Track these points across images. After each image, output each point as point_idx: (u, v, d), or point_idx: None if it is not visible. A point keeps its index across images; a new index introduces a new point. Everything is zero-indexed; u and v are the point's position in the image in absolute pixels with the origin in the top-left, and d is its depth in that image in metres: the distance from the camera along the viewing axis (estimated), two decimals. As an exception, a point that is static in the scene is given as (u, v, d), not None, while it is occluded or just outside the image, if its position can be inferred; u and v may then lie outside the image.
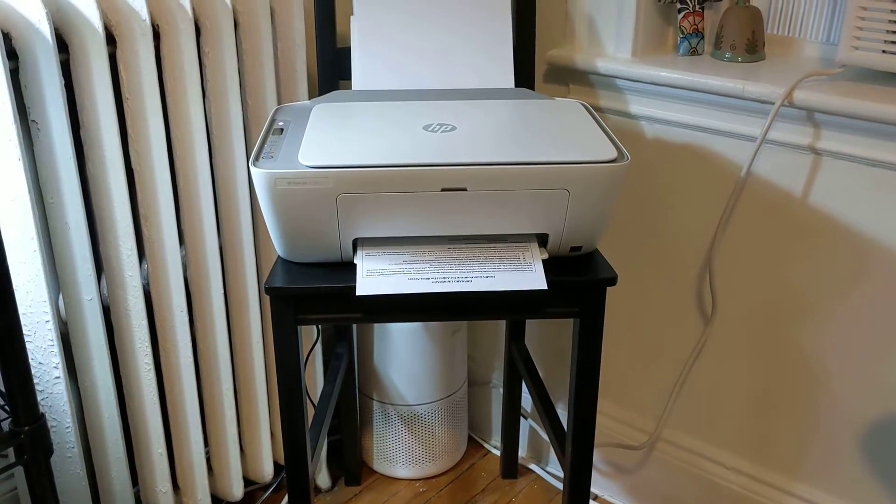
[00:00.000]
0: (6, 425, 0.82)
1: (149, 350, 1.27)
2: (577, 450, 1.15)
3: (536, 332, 1.62)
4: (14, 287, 0.94)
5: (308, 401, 1.49)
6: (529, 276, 1.00)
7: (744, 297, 1.34)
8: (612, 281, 1.04)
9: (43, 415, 0.81)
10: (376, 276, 0.99)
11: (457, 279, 1.00)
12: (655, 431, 1.50)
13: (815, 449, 1.33)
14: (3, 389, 0.84)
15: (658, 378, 1.49)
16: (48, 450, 0.82)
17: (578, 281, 1.04)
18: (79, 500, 1.27)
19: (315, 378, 1.56)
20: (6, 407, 0.84)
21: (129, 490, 1.33)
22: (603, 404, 1.57)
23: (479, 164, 0.95)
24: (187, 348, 1.33)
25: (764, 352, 1.35)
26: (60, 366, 1.17)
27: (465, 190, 0.96)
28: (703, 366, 1.42)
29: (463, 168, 0.95)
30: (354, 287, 0.98)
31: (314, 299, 1.05)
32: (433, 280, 0.99)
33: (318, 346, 1.56)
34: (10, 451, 0.84)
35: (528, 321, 1.58)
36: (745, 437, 1.41)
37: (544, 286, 0.98)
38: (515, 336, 1.55)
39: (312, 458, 1.19)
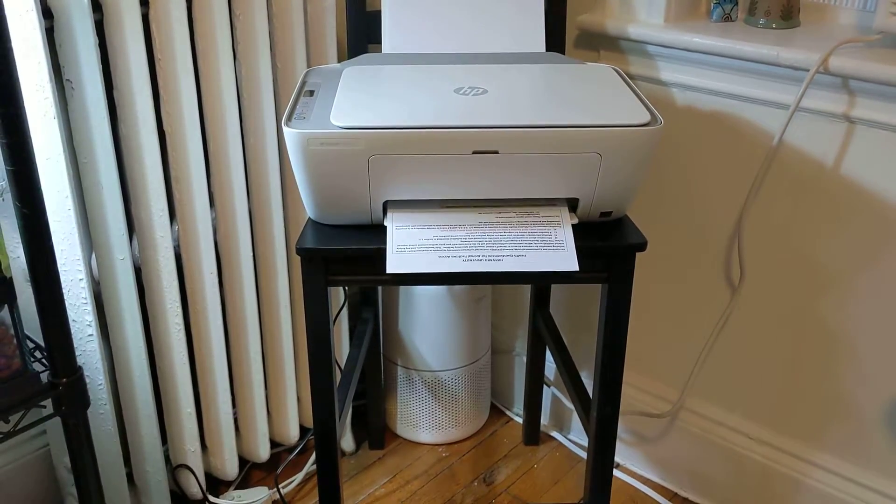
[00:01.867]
0: (44, 378, 0.83)
1: (179, 311, 1.29)
2: (603, 417, 1.16)
3: (561, 299, 1.62)
4: (50, 244, 0.95)
5: (334, 365, 1.50)
6: (560, 255, 0.99)
7: (772, 266, 1.33)
8: (642, 246, 1.03)
9: (80, 367, 0.83)
10: (406, 252, 1.00)
11: (487, 258, 0.99)
12: (679, 400, 1.50)
13: (841, 420, 1.33)
14: (42, 343, 0.86)
15: (682, 348, 1.49)
16: (85, 402, 0.84)
17: (608, 246, 1.04)
18: (110, 457, 1.29)
19: (341, 343, 1.57)
20: (44, 360, 0.85)
21: (159, 448, 1.36)
22: (626, 374, 1.57)
23: (510, 127, 0.95)
24: (217, 310, 1.34)
25: (791, 322, 1.34)
26: (93, 324, 1.19)
27: (496, 153, 0.96)
28: (729, 335, 1.42)
29: (495, 131, 0.95)
30: (384, 249, 0.99)
31: (344, 261, 1.06)
32: (464, 259, 0.99)
33: (345, 312, 1.58)
34: (48, 403, 0.86)
35: (553, 289, 1.58)
36: (769, 408, 1.41)
37: (576, 267, 0.98)
38: (540, 304, 1.55)
39: (339, 420, 1.20)
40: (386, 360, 1.67)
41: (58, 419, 0.85)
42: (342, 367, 1.43)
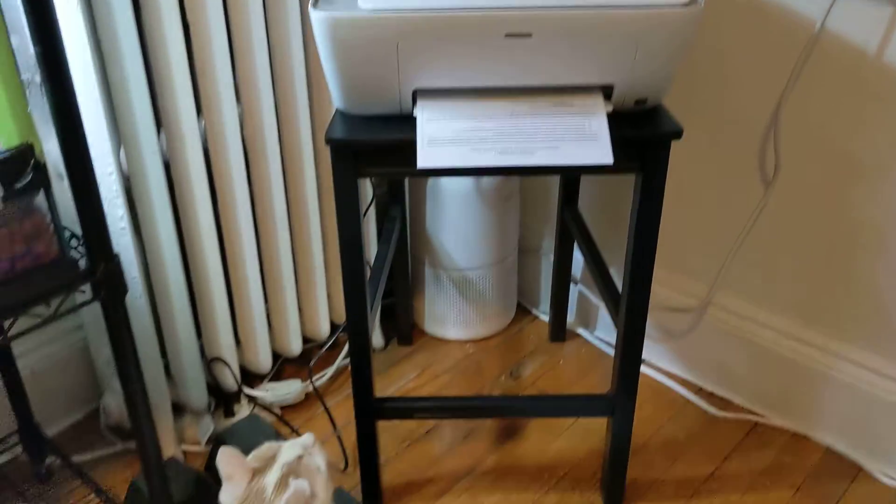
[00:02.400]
0: (82, 265, 0.84)
1: (209, 205, 1.29)
2: (632, 309, 1.16)
3: (590, 195, 1.61)
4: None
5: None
6: (595, 147, 0.97)
7: (808, 158, 1.31)
8: (678, 134, 1.01)
9: (117, 254, 0.84)
10: (438, 145, 0.98)
11: (521, 150, 0.97)
12: (707, 296, 1.51)
13: (870, 313, 1.33)
14: (78, 232, 0.86)
15: (712, 242, 1.48)
16: (123, 287, 0.85)
17: (642, 135, 1.02)
18: (147, 350, 1.32)
19: (369, 241, 1.58)
20: (80, 248, 0.86)
21: (195, 341, 1.38)
22: (655, 270, 1.57)
23: (545, 8, 0.92)
24: (246, 205, 1.34)
25: (824, 215, 1.32)
26: (125, 217, 1.19)
27: (529, 36, 0.93)
28: (761, 229, 1.41)
29: (528, 12, 0.92)
30: (414, 140, 0.97)
31: (374, 152, 1.04)
32: (497, 151, 0.97)
33: (372, 211, 1.58)
34: (87, 291, 0.87)
35: (581, 185, 1.56)
36: (798, 302, 1.41)
37: (610, 160, 0.96)
38: (569, 201, 1.54)
39: (370, 312, 1.21)
40: (413, 259, 1.67)
41: (97, 306, 0.87)
42: (371, 265, 1.44)
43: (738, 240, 1.43)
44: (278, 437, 1.36)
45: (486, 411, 1.25)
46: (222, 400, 1.50)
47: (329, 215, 1.50)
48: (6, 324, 0.79)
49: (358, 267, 1.11)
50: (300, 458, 0.89)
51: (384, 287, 1.38)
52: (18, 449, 1.37)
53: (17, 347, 1.30)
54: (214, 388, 1.48)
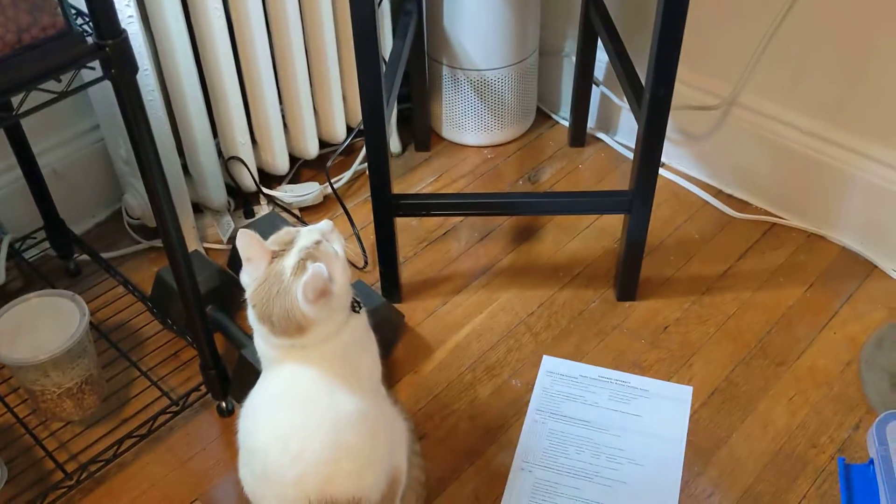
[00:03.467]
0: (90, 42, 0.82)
1: (219, 2, 1.24)
2: (655, 99, 1.13)
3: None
4: None
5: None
6: None
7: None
8: None
9: (125, 30, 0.81)
10: None
11: None
12: (732, 94, 1.47)
13: (901, 111, 1.29)
14: (83, 9, 0.83)
15: (739, 41, 1.42)
16: (133, 65, 0.83)
17: None
18: (164, 147, 1.31)
19: (384, 34, 1.53)
20: (86, 25, 0.83)
21: (211, 139, 1.38)
22: (679, 70, 1.52)
23: None
24: (258, 4, 1.29)
25: (856, 12, 1.26)
26: (132, 4, 1.15)
27: None
28: (790, 25, 1.34)
29: None
30: None
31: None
32: None
33: (387, 5, 1.52)
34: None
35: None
36: (824, 102, 1.37)
37: None
38: (593, -5, 1.47)
39: (388, 109, 1.19)
40: (431, 59, 1.63)
41: (111, 96, 0.85)
42: (386, 60, 1.40)
43: (765, 36, 1.37)
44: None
45: (502, 208, 1.25)
46: (242, 200, 1.52)
47: (343, 17, 1.44)
48: (16, 99, 0.78)
49: (373, 55, 1.08)
50: (318, 243, 0.90)
51: (399, 89, 1.34)
52: (47, 245, 1.40)
53: (36, 146, 1.30)
54: (234, 189, 1.49)
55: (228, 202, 1.48)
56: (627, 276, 1.34)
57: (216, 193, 1.43)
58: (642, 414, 1.21)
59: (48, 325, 1.06)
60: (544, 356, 1.29)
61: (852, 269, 1.41)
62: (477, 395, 1.24)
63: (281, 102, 1.46)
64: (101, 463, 1.10)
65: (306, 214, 1.55)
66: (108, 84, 0.85)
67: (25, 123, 1.26)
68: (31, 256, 1.41)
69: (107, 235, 1.51)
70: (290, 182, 1.58)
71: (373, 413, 0.95)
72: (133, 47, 1.14)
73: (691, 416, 1.20)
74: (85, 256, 1.40)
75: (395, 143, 1.68)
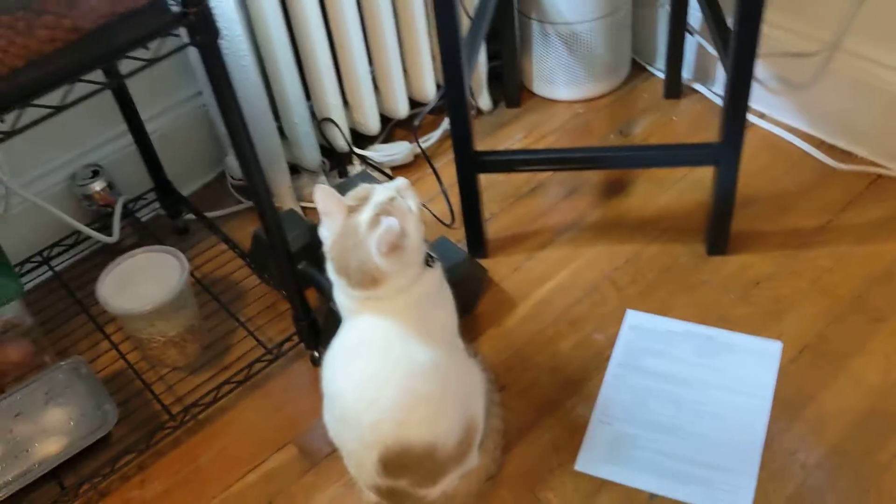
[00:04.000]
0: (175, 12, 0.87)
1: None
2: (741, 47, 1.09)
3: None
4: None
5: (464, 13, 1.47)
6: None
7: None
8: None
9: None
10: None
11: None
12: (834, 38, 1.39)
13: None
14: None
15: (845, -19, 1.34)
16: (215, 31, 0.88)
17: None
18: (258, 110, 1.38)
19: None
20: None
21: (303, 101, 1.43)
22: (774, 14, 1.46)
23: None
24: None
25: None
26: (223, -26, 1.21)
27: None
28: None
29: None
30: None
31: None
32: None
33: (474, -37, 1.52)
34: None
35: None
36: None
37: None
38: (684, -59, 1.42)
39: (469, 64, 1.20)
40: (521, 14, 1.62)
41: (194, 50, 0.90)
42: (470, 16, 1.41)
43: (873, -27, 1.30)
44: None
45: (583, 162, 1.25)
46: (336, 161, 1.57)
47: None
48: (118, 65, 0.84)
49: (450, 11, 1.09)
50: (392, 199, 0.93)
51: (488, 46, 1.34)
52: (157, 206, 1.50)
53: (145, 113, 1.39)
54: (328, 150, 1.54)
55: (323, 162, 1.54)
56: (717, 230, 1.31)
57: (310, 154, 1.48)
58: (728, 369, 1.19)
59: (153, 278, 1.14)
60: (628, 310, 1.29)
61: (965, 221, 1.33)
62: (558, 348, 1.25)
63: (371, 63, 1.50)
64: (203, 406, 1.18)
65: (398, 173, 1.58)
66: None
67: (134, 92, 1.35)
68: (143, 216, 1.51)
69: (211, 196, 1.59)
70: (384, 142, 1.62)
71: (445, 363, 0.98)
72: (225, 14, 1.20)
73: (779, 372, 1.17)
74: (192, 216, 1.49)
75: (485, 100, 1.69)
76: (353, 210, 0.93)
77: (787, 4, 1.44)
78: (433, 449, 0.97)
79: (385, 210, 0.92)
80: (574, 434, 1.14)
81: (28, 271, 1.41)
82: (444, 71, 1.16)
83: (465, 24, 1.46)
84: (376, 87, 1.54)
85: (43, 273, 1.42)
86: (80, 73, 0.81)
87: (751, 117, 1.57)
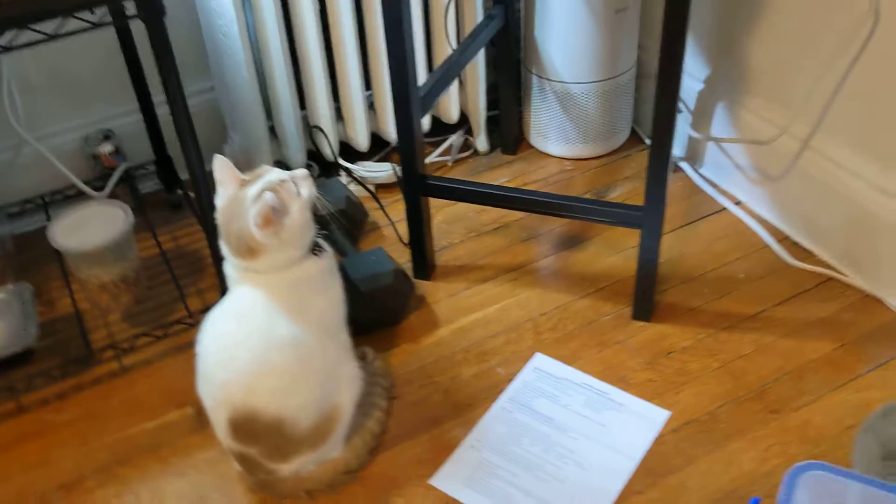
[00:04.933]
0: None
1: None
2: (659, 119, 1.13)
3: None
4: None
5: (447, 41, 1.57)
6: None
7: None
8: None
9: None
10: None
11: None
12: (805, 136, 1.40)
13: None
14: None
15: (814, 79, 1.35)
16: (160, 10, 1.00)
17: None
18: (247, 102, 1.50)
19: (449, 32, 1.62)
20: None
21: (295, 105, 1.55)
22: (757, 102, 1.48)
23: None
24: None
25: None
26: (226, -23, 1.35)
27: None
28: (864, 70, 1.27)
29: None
30: None
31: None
32: None
33: (479, 9, 1.61)
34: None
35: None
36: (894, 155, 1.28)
37: None
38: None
39: (433, 94, 1.29)
40: (524, 68, 1.70)
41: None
42: (453, 46, 1.49)
43: (843, 75, 1.31)
44: (350, 195, 1.52)
45: (515, 202, 1.29)
46: (323, 169, 1.68)
47: (436, 8, 1.56)
48: (54, 25, 0.98)
49: (399, 39, 1.19)
50: (283, 181, 1.02)
51: (491, 98, 1.41)
52: (156, 180, 1.65)
53: (158, 95, 1.54)
54: (316, 154, 1.65)
55: (310, 165, 1.65)
56: (641, 295, 1.33)
57: (295, 156, 1.60)
58: (609, 425, 1.20)
59: (101, 226, 1.27)
60: (537, 353, 1.32)
61: (899, 337, 1.30)
62: (460, 373, 1.30)
63: (369, 89, 1.61)
64: (120, 351, 1.31)
65: (382, 191, 1.67)
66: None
67: (150, 74, 1.49)
68: (144, 189, 1.66)
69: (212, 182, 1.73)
70: (379, 160, 1.71)
71: (311, 346, 1.05)
72: (226, 13, 1.34)
73: (656, 439, 1.18)
74: (191, 194, 1.63)
75: (482, 143, 1.76)
76: (245, 184, 1.02)
77: (770, 94, 1.47)
78: (280, 423, 1.04)
79: (273, 188, 1.01)
80: (443, 452, 1.18)
81: (28, 212, 1.57)
82: (393, 94, 1.25)
83: (446, 52, 1.56)
84: (373, 108, 1.64)
85: (42, 219, 1.58)
86: (27, 22, 0.95)
87: (726, 202, 1.59)
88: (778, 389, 1.23)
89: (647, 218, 1.23)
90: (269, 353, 1.02)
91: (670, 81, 1.10)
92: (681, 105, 1.65)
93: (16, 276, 1.42)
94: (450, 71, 1.41)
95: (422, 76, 1.60)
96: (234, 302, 1.06)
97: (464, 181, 1.36)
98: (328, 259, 1.10)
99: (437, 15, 1.56)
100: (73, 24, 0.99)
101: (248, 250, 1.01)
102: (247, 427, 1.04)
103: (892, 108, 1.26)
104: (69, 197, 1.59)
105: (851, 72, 1.29)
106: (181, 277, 1.43)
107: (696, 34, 1.58)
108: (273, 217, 0.98)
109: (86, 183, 1.56)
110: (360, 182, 1.66)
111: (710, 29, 1.55)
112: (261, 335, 1.02)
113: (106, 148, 1.59)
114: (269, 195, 0.97)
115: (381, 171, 1.66)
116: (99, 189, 1.56)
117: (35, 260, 1.49)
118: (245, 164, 1.58)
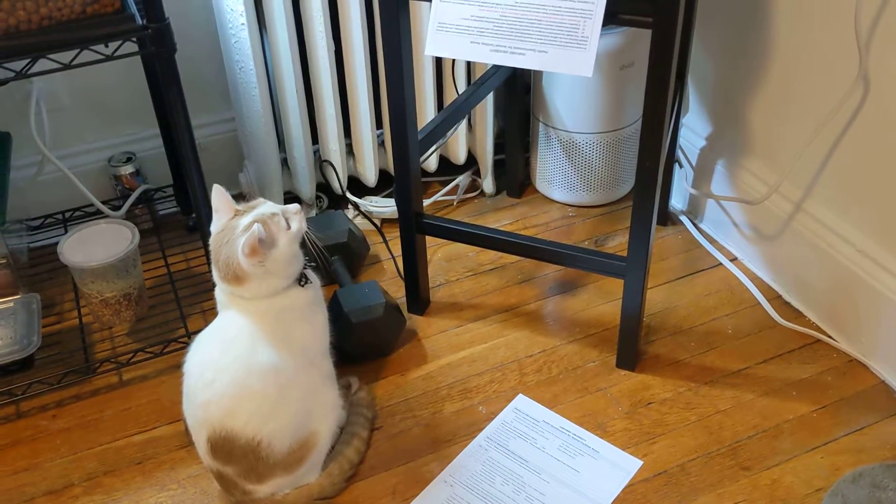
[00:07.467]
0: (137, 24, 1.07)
1: (326, 19, 1.48)
2: (642, 175, 1.17)
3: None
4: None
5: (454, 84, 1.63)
6: (580, 56, 1.06)
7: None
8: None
9: (167, 17, 1.05)
10: (444, 32, 1.12)
11: (512, 50, 1.10)
12: (798, 198, 1.43)
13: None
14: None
15: (803, 144, 1.38)
16: (171, 47, 1.07)
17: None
18: (259, 134, 1.57)
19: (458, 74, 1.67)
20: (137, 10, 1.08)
21: (303, 139, 1.61)
22: (754, 163, 1.51)
23: None
24: (360, 36, 1.51)
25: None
26: (245, 14, 1.42)
27: None
28: (853, 141, 1.30)
29: None
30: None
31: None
32: (491, 49, 1.10)
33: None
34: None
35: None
36: (880, 222, 1.29)
37: (589, 74, 1.06)
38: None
39: (434, 136, 1.34)
40: (532, 115, 1.75)
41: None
42: (459, 90, 1.55)
43: (834, 142, 1.34)
44: (352, 228, 1.57)
45: (507, 246, 1.33)
46: (332, 202, 1.73)
47: (446, 62, 1.62)
48: (70, 55, 1.05)
49: (399, 81, 1.24)
50: (274, 215, 1.07)
51: (499, 142, 1.46)
52: (174, 202, 1.72)
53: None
54: (325, 186, 1.71)
55: (319, 198, 1.71)
56: (624, 344, 1.36)
57: (305, 187, 1.66)
58: (581, 470, 1.23)
59: (107, 244, 1.33)
60: (520, 394, 1.35)
61: (879, 404, 1.30)
62: (442, 409, 1.33)
63: (380, 128, 1.67)
64: (117, 364, 1.36)
65: (386, 226, 1.72)
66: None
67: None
68: (163, 210, 1.73)
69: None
70: (387, 196, 1.77)
71: (291, 374, 1.10)
72: (243, 49, 1.41)
73: (626, 487, 1.20)
74: (201, 217, 1.69)
75: (489, 185, 1.81)
76: (238, 214, 1.08)
77: (766, 155, 1.49)
78: (257, 446, 1.08)
79: (263, 221, 1.06)
80: (417, 485, 1.21)
81: (48, 226, 1.65)
82: (391, 136, 1.30)
83: (451, 96, 1.61)
84: (384, 146, 1.70)
85: (61, 234, 1.66)
86: (46, 52, 1.02)
87: (722, 258, 1.61)
88: (751, 447, 1.24)
89: (630, 268, 1.26)
90: (250, 379, 1.07)
91: (652, 139, 1.14)
92: (682, 160, 1.68)
93: (29, 287, 1.48)
94: (454, 115, 1.46)
95: (430, 115, 1.65)
96: (220, 326, 1.11)
97: (457, 221, 1.41)
98: (314, 290, 1.14)
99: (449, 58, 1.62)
100: (87, 55, 1.06)
101: (235, 277, 1.06)
102: (225, 447, 1.08)
103: (874, 177, 1.28)
104: (89, 214, 1.66)
105: (842, 139, 1.32)
106: (188, 298, 1.49)
107: (700, 93, 1.62)
108: (259, 248, 1.03)
109: (106, 202, 1.63)
110: (366, 216, 1.71)
111: (713, 88, 1.59)
112: (243, 360, 1.07)
113: (127, 169, 1.66)
114: (257, 227, 1.02)
115: (387, 206, 1.71)
116: (117, 209, 1.64)
117: (50, 273, 1.56)
118: (258, 192, 1.65)
